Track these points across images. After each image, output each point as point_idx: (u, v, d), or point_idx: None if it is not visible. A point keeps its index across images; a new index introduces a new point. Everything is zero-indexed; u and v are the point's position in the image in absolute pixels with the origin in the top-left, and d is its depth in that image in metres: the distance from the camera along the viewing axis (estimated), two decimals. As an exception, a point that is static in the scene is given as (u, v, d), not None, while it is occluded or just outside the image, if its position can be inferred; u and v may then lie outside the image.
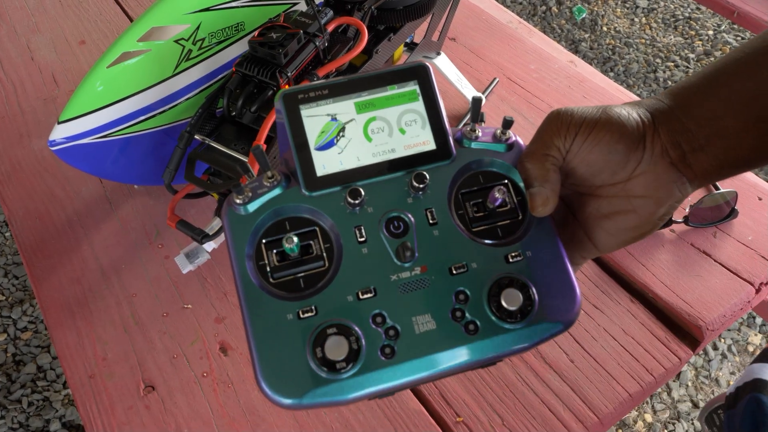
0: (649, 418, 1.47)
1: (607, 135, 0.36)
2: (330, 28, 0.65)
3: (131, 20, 1.05)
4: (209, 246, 0.65)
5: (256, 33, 0.63)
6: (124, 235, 0.75)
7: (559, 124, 0.37)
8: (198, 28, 0.67)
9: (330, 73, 0.67)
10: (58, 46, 1.00)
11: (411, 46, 0.84)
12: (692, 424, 1.46)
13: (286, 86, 0.63)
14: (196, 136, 0.64)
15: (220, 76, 0.71)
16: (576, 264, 0.40)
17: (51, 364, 1.48)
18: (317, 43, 0.64)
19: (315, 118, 0.38)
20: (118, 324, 0.67)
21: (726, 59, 0.37)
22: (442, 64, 0.87)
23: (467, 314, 0.35)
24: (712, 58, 2.31)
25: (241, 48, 0.72)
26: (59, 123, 0.61)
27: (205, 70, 0.69)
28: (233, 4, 0.70)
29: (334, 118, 0.38)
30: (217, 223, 0.64)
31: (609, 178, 0.38)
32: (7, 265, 1.69)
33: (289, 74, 0.62)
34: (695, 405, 1.50)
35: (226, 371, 0.63)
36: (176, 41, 0.66)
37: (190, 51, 0.67)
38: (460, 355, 0.35)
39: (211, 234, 0.63)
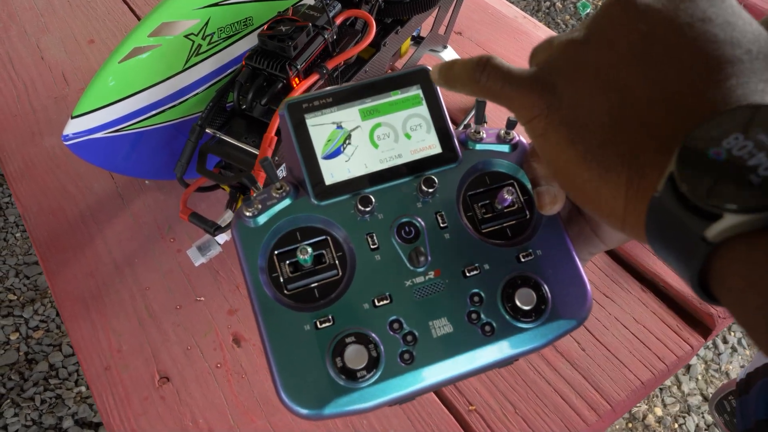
0: (659, 411, 1.47)
1: None
2: (338, 20, 0.66)
3: (139, 19, 1.06)
4: (221, 238, 0.65)
5: (265, 26, 0.64)
6: (136, 229, 0.75)
7: None
8: (207, 23, 0.68)
9: (338, 66, 0.67)
10: (67, 45, 1.01)
11: (418, 40, 0.84)
12: (702, 417, 1.46)
13: (296, 79, 0.63)
14: (207, 130, 0.65)
15: (229, 71, 0.71)
16: (584, 260, 0.41)
17: (63, 363, 1.50)
18: (326, 36, 0.64)
19: (320, 127, 0.38)
20: (132, 316, 0.68)
21: None
22: (449, 58, 0.88)
23: (483, 316, 0.36)
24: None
25: (249, 43, 0.72)
26: (72, 118, 0.61)
27: (214, 65, 0.70)
28: (242, -1, 0.71)
29: (339, 126, 0.38)
30: (228, 215, 0.65)
31: None
32: (18, 265, 1.70)
33: (298, 67, 0.62)
34: (705, 398, 1.49)
35: (239, 362, 0.64)
36: (186, 36, 0.66)
37: (199, 46, 0.68)
38: (478, 357, 0.35)
39: (223, 226, 0.63)
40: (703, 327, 0.67)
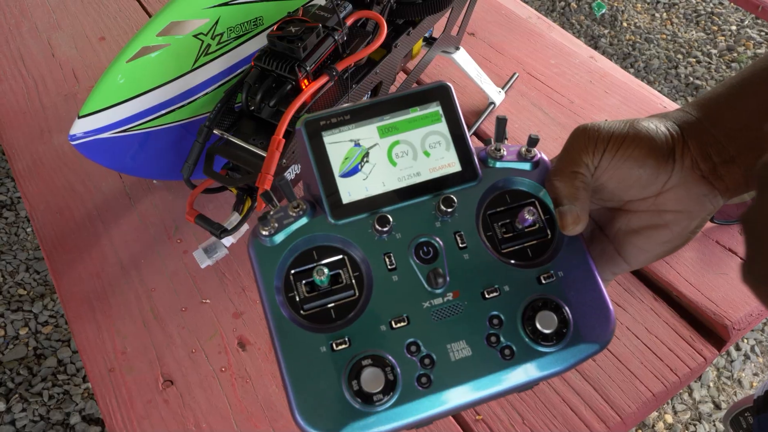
0: (669, 418, 1.45)
1: (636, 150, 0.36)
2: (349, 21, 0.65)
3: (151, 17, 1.05)
4: (227, 241, 0.65)
5: (275, 27, 0.63)
6: (143, 229, 0.75)
7: (587, 140, 0.37)
8: (217, 22, 0.67)
9: (348, 68, 0.66)
10: (78, 42, 1.01)
11: (430, 41, 0.83)
12: (714, 425, 1.44)
13: (305, 81, 0.63)
14: (215, 131, 0.64)
15: (238, 71, 0.71)
16: (606, 280, 0.40)
17: (71, 358, 1.50)
18: (336, 37, 0.63)
19: (338, 145, 0.37)
20: (138, 318, 0.67)
21: (753, 68, 0.36)
22: (462, 59, 0.87)
23: (502, 339, 0.35)
24: (735, 54, 2.27)
25: (259, 43, 0.72)
26: (79, 117, 0.61)
27: (223, 65, 0.69)
28: (252, -2, 0.70)
29: (357, 144, 0.38)
30: (235, 218, 0.64)
31: (639, 193, 0.37)
32: (29, 260, 1.71)
33: (308, 68, 0.61)
34: (717, 406, 1.47)
35: (244, 366, 0.63)
36: (195, 36, 0.66)
37: (209, 46, 0.67)
38: (497, 382, 0.35)
39: (229, 229, 0.62)
40: (716, 338, 0.65)
